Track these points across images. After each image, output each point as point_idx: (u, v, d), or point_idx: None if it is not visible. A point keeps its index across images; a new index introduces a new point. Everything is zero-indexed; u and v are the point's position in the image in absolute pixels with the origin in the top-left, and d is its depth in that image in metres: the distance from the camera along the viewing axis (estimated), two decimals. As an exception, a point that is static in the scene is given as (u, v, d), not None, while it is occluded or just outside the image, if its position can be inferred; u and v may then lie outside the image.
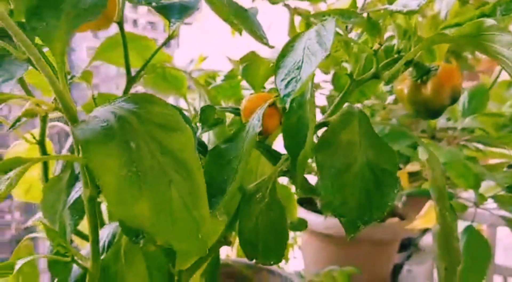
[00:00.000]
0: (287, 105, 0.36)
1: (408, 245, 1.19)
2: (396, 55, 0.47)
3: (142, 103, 0.29)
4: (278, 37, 1.08)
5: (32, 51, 0.27)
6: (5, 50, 0.32)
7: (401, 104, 0.80)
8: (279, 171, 0.42)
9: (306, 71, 0.36)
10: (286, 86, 0.37)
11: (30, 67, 0.32)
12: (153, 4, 0.42)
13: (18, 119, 0.29)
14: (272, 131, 0.46)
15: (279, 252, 0.38)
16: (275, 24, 1.02)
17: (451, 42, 0.46)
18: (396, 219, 0.95)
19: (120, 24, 0.51)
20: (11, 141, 0.56)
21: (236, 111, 0.48)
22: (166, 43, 0.52)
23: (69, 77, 0.47)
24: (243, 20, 0.44)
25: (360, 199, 0.37)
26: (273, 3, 0.92)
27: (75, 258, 0.35)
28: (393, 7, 0.38)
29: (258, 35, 0.43)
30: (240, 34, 0.56)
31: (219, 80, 0.69)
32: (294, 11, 0.88)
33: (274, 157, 0.44)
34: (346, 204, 0.37)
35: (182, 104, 0.73)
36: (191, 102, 0.66)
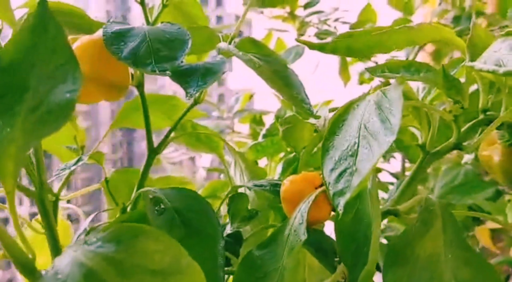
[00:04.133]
0: (340, 209, 0.26)
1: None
2: (481, 116, 0.36)
3: (127, 240, 0.21)
4: (327, 76, 0.98)
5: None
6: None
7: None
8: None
9: (364, 163, 0.27)
10: (337, 180, 0.28)
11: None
12: (168, 72, 0.34)
13: None
14: (320, 222, 0.36)
15: None
16: (324, 62, 0.92)
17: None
18: None
19: (140, 88, 0.43)
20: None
21: (276, 191, 0.38)
22: (191, 108, 0.44)
23: (76, 160, 0.39)
24: (281, 84, 0.35)
25: None
26: (321, 38, 0.83)
27: None
28: (481, 65, 0.27)
29: (298, 101, 0.34)
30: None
31: (260, 137, 0.61)
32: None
33: (329, 258, 0.34)
34: None
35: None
36: (229, 162, 0.57)
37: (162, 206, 0.34)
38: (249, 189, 0.40)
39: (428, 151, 0.35)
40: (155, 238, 0.21)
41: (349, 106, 0.30)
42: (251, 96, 0.98)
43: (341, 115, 0.30)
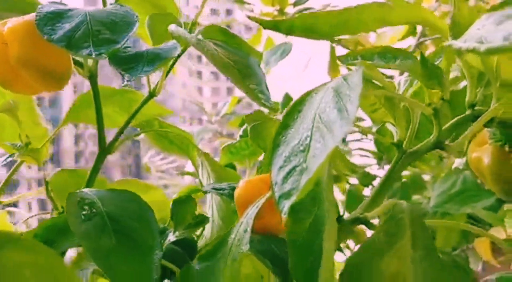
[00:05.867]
0: (284, 214, 0.21)
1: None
2: (468, 111, 0.31)
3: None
4: (318, 75, 0.93)
5: None
6: None
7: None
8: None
9: (315, 158, 0.22)
10: (284, 180, 0.23)
11: None
12: (103, 56, 0.29)
13: None
14: (277, 230, 0.31)
15: None
16: (316, 59, 0.87)
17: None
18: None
19: (92, 79, 0.39)
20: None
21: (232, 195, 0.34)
22: (148, 101, 0.40)
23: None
24: (236, 73, 0.30)
25: None
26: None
27: None
28: (460, 43, 0.22)
29: (254, 92, 0.29)
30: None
31: (238, 138, 0.56)
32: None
33: (286, 271, 0.29)
34: None
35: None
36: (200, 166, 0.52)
37: (94, 210, 0.29)
38: (205, 192, 0.35)
39: (405, 150, 0.30)
40: (28, 249, 0.17)
41: (307, 95, 0.26)
42: (239, 100, 0.93)
43: (297, 105, 0.26)
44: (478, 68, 0.31)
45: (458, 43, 0.23)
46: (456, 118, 0.30)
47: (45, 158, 0.51)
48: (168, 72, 0.39)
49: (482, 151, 0.33)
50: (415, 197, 0.91)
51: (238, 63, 0.33)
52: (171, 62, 0.39)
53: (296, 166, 0.23)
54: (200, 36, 0.40)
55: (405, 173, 0.98)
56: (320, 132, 0.23)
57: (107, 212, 0.29)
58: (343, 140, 0.70)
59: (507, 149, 0.32)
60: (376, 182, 0.92)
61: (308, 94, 0.26)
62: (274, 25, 0.27)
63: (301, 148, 0.23)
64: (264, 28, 0.27)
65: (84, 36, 0.31)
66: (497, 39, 0.21)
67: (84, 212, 0.28)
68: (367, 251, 0.23)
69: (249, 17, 0.27)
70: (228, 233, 0.27)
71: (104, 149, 0.40)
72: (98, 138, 0.40)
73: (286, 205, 0.22)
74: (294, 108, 0.26)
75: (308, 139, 0.23)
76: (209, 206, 0.43)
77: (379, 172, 0.85)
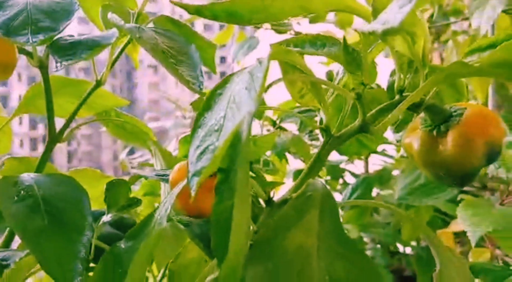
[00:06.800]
0: (193, 191, 0.22)
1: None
2: (397, 97, 0.32)
3: None
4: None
5: None
6: None
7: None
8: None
9: (224, 136, 0.23)
10: (198, 158, 0.24)
11: None
12: (35, 42, 0.30)
13: None
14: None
15: None
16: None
17: (477, 75, 0.30)
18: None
19: (43, 70, 0.40)
20: None
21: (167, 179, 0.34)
22: (95, 89, 0.41)
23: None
24: (164, 58, 0.31)
25: None
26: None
27: None
28: (362, 26, 0.23)
29: (183, 77, 0.30)
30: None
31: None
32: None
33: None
34: None
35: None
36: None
37: (30, 193, 0.30)
38: (146, 178, 0.36)
39: (333, 134, 0.31)
40: None
41: (228, 79, 0.27)
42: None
43: (218, 88, 0.27)
44: (408, 56, 0.32)
45: (362, 26, 0.24)
46: (383, 104, 0.32)
47: (7, 149, 0.51)
48: (115, 61, 0.39)
49: (413, 137, 0.34)
50: (387, 191, 0.92)
51: (176, 50, 0.34)
52: (118, 52, 0.39)
53: (209, 144, 0.24)
54: (151, 24, 0.41)
55: (376, 168, 0.99)
56: (232, 112, 0.24)
57: (42, 195, 0.30)
58: (310, 134, 0.71)
59: (434, 134, 0.33)
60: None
61: (229, 78, 0.27)
62: (197, 10, 0.27)
63: (216, 128, 0.24)
64: (189, 12, 0.28)
65: (23, 24, 0.32)
66: (396, 21, 0.22)
67: (17, 193, 0.29)
68: (276, 224, 0.24)
69: (171, 2, 0.28)
70: (152, 214, 0.28)
71: (54, 138, 0.40)
72: (48, 127, 0.40)
73: (195, 182, 0.23)
74: (215, 91, 0.27)
75: (222, 119, 0.24)
76: (163, 192, 0.44)
77: (347, 166, 0.86)
